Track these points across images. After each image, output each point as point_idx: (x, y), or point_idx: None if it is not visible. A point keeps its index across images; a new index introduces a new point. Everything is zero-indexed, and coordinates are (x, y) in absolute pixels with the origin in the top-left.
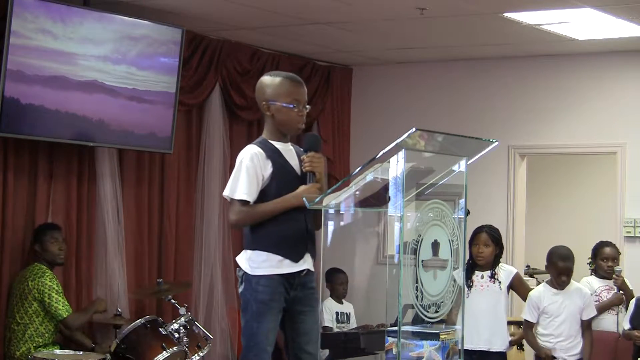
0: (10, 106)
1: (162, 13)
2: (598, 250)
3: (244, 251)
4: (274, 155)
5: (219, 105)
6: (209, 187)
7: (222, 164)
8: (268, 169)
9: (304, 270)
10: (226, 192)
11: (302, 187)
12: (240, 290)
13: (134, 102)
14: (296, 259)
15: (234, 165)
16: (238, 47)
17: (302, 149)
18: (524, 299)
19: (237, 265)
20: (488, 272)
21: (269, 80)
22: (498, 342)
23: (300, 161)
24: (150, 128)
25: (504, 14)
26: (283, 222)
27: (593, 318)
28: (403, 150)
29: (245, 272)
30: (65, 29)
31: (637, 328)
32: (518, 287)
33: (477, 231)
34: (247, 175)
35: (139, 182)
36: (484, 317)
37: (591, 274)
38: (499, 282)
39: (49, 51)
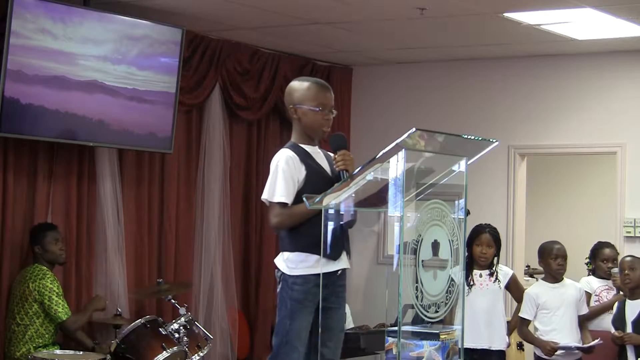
0: (10, 106)
1: (162, 13)
2: (597, 251)
3: (281, 253)
4: (307, 159)
5: (219, 105)
6: (209, 187)
7: (222, 164)
8: (302, 172)
9: (339, 270)
10: (264, 196)
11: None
12: (277, 290)
13: (134, 102)
14: (335, 256)
15: (234, 165)
16: (238, 47)
17: (329, 152)
18: (518, 300)
19: (275, 267)
20: (486, 271)
21: (297, 84)
22: (498, 340)
23: (330, 163)
24: (150, 128)
25: (504, 14)
26: (319, 222)
27: (590, 318)
28: (403, 150)
29: (282, 273)
30: (65, 29)
31: (619, 329)
32: (513, 289)
33: (480, 231)
34: (283, 178)
35: (139, 182)
36: (484, 315)
37: (589, 274)
38: (499, 281)
39: (49, 51)
